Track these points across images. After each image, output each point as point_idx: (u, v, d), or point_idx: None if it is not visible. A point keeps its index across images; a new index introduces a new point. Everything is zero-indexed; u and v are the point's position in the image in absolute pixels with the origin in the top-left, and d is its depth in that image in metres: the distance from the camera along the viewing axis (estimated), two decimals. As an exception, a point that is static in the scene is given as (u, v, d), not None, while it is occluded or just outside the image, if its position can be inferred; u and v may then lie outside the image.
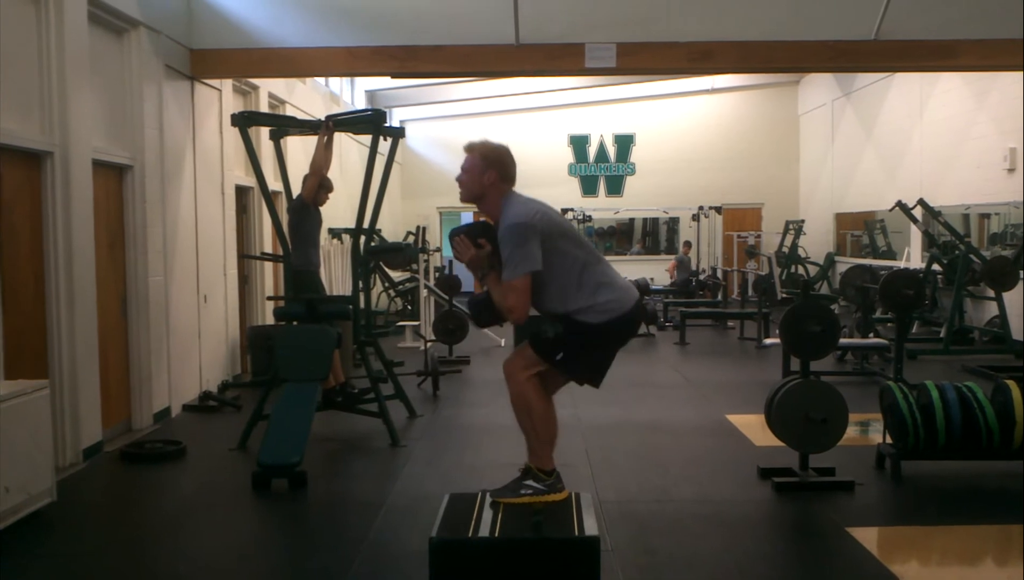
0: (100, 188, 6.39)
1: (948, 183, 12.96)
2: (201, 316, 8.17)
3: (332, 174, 7.29)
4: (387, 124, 7.25)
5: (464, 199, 3.74)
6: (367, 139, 7.12)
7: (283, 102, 10.76)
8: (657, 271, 17.80)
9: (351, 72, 11.93)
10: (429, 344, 9.74)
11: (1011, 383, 5.35)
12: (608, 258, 4.04)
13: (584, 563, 3.29)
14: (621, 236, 20.96)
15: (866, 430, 6.73)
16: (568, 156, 19.81)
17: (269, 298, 9.62)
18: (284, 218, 7.34)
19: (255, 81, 9.65)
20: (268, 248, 9.98)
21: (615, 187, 19.83)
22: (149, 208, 7.04)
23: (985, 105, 12.05)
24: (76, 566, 4.29)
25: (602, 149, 19.82)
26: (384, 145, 7.12)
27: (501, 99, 18.51)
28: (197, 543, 4.62)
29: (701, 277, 16.90)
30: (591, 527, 3.39)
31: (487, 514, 3.52)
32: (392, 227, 17.66)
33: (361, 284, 7.49)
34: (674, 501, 5.12)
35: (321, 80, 13.11)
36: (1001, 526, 4.73)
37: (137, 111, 6.98)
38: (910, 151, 14.39)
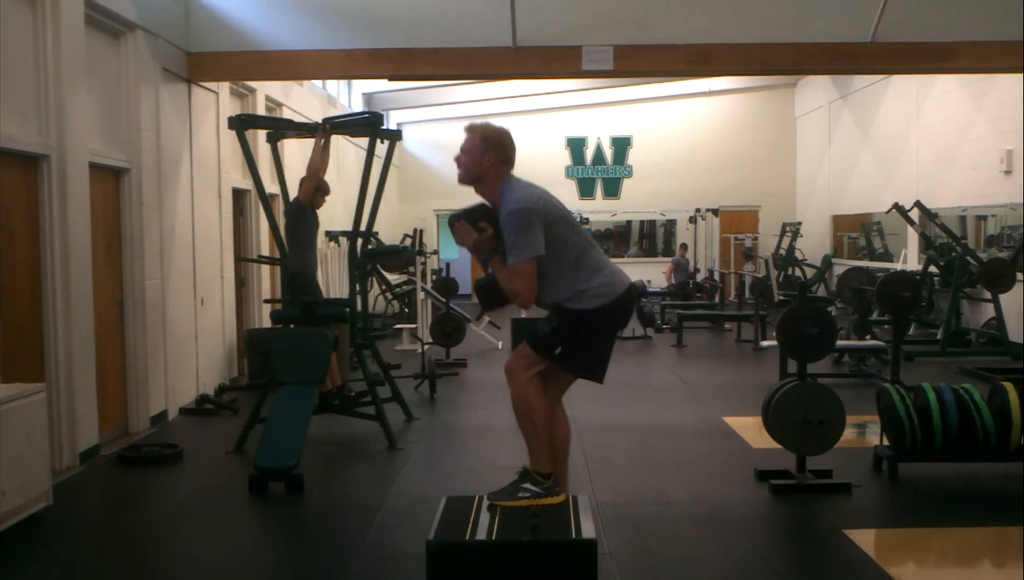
0: (97, 191, 6.38)
1: (945, 185, 12.97)
2: (198, 319, 8.16)
3: (329, 177, 7.29)
4: (384, 127, 7.24)
5: (462, 180, 3.71)
6: (364, 142, 7.12)
7: (280, 105, 10.75)
8: (654, 273, 17.80)
9: (348, 75, 11.90)
10: (426, 347, 9.75)
11: (1008, 385, 5.36)
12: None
13: (581, 566, 3.28)
14: (618, 238, 20.96)
15: (863, 432, 6.73)
16: (565, 158, 19.80)
17: (266, 301, 9.60)
18: (281, 221, 7.33)
19: (252, 84, 9.64)
20: (265, 251, 9.98)
21: (612, 189, 19.83)
22: (146, 211, 7.04)
23: (982, 107, 12.06)
24: (73, 569, 4.28)
25: (599, 151, 19.82)
26: (381, 148, 7.12)
27: (498, 102, 18.49)
28: (194, 546, 4.61)
29: (698, 279, 16.91)
30: (588, 530, 3.38)
31: (484, 517, 3.52)
32: (389, 230, 17.65)
33: (358, 287, 7.48)
34: (671, 503, 5.12)
35: (318, 83, 13.11)
36: (998, 528, 4.73)
37: (134, 114, 6.97)
38: (907, 153, 14.40)
